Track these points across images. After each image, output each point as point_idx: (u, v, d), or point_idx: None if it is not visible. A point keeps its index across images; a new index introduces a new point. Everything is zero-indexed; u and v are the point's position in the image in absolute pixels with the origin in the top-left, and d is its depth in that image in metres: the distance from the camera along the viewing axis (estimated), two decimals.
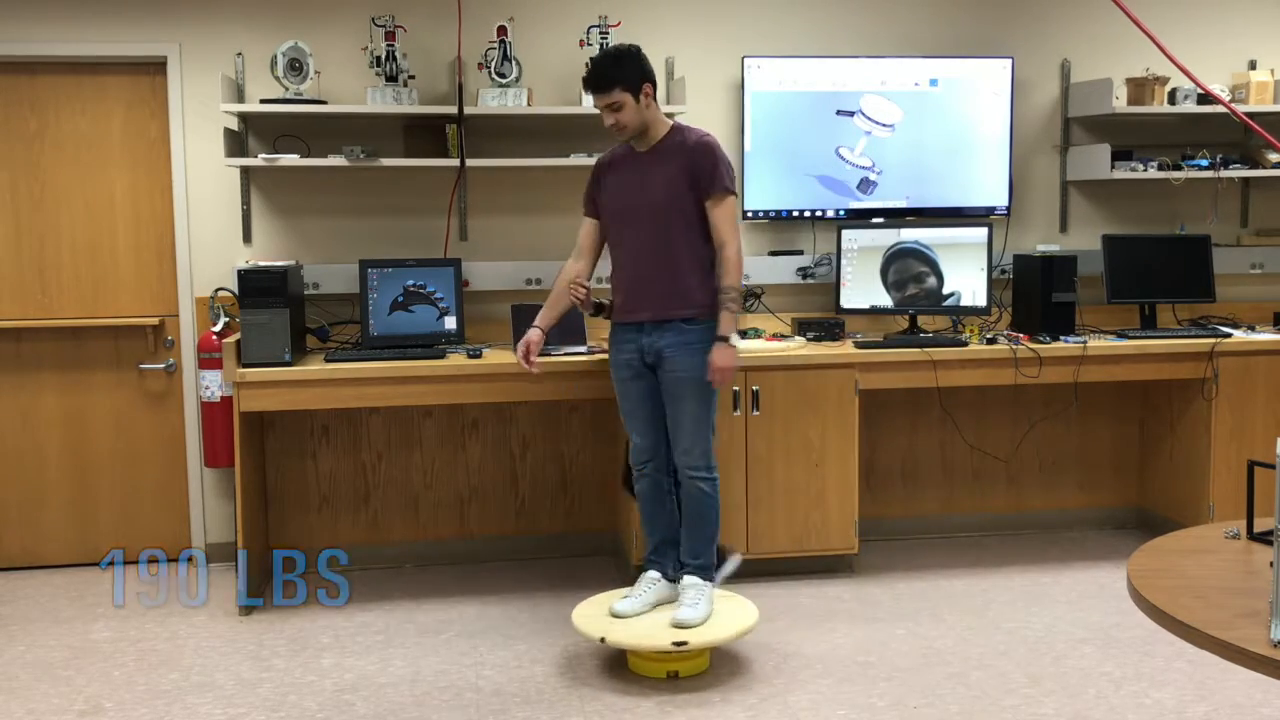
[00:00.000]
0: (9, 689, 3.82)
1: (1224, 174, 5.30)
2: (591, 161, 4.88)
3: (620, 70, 3.83)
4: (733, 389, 4.60)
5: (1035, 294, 5.05)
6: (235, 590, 4.61)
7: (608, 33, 4.84)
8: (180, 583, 4.90)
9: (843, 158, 5.20)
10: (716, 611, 3.93)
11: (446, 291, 4.83)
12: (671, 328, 3.90)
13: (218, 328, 4.74)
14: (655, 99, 3.91)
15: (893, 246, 5.05)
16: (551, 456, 5.20)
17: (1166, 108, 5.21)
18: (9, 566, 5.05)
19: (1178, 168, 5.28)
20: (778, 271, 5.25)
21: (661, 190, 3.88)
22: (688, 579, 3.96)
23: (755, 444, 4.66)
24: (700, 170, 3.86)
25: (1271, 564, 2.35)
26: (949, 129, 5.23)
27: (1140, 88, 5.20)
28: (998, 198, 5.30)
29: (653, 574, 4.05)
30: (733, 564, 4.14)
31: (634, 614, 3.93)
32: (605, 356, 4.65)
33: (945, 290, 5.04)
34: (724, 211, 3.85)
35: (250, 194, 4.98)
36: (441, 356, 4.61)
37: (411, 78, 4.83)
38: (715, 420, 4.00)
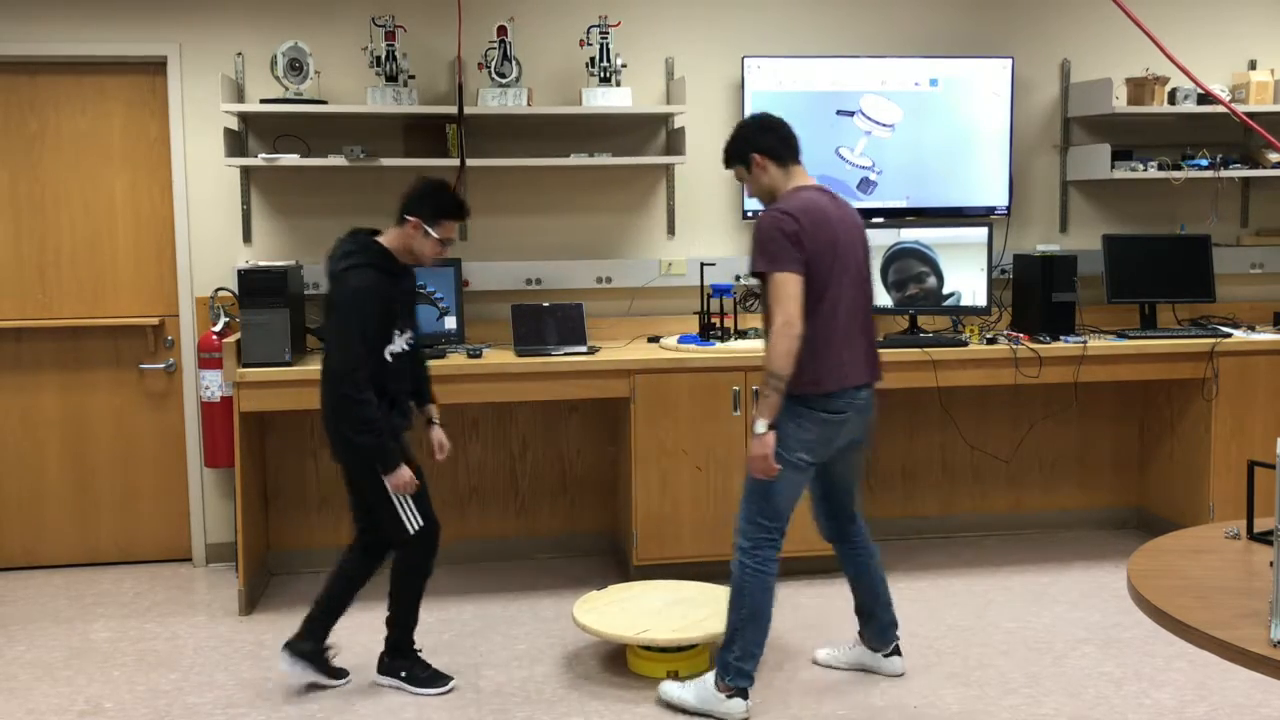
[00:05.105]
0: (9, 689, 3.82)
1: (1224, 174, 5.30)
2: (593, 161, 4.90)
3: (731, 145, 3.66)
4: (733, 389, 4.61)
5: (1035, 294, 5.05)
6: (235, 590, 4.62)
7: (608, 33, 4.84)
8: (180, 583, 4.91)
9: (843, 158, 5.19)
10: (716, 611, 3.93)
11: (446, 291, 4.83)
12: None
13: (218, 328, 4.75)
14: (770, 167, 3.57)
15: (893, 246, 5.05)
16: (551, 456, 5.20)
17: (1166, 108, 5.20)
18: (9, 566, 5.05)
19: (1178, 168, 5.28)
20: None
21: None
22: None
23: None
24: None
25: (1271, 564, 2.35)
26: (949, 129, 5.23)
27: (1140, 88, 5.20)
28: (998, 198, 5.30)
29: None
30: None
31: (830, 664, 3.93)
32: (606, 356, 4.66)
33: (945, 290, 5.03)
34: (770, 291, 3.43)
35: (250, 194, 4.98)
36: (442, 356, 4.60)
37: (411, 78, 4.83)
38: (773, 500, 3.53)
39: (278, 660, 3.81)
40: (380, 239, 3.63)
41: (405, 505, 3.66)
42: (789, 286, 3.39)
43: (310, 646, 3.78)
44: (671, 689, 3.65)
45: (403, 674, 3.79)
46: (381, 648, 3.86)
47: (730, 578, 3.57)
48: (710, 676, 3.59)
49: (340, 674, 3.85)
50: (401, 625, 3.81)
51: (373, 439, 3.53)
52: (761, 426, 3.43)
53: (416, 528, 3.68)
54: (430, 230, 3.59)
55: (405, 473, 3.60)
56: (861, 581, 3.83)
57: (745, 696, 3.54)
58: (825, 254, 3.46)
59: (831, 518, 3.81)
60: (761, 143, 3.59)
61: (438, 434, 3.95)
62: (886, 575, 3.87)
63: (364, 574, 3.82)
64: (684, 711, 3.59)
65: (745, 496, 3.59)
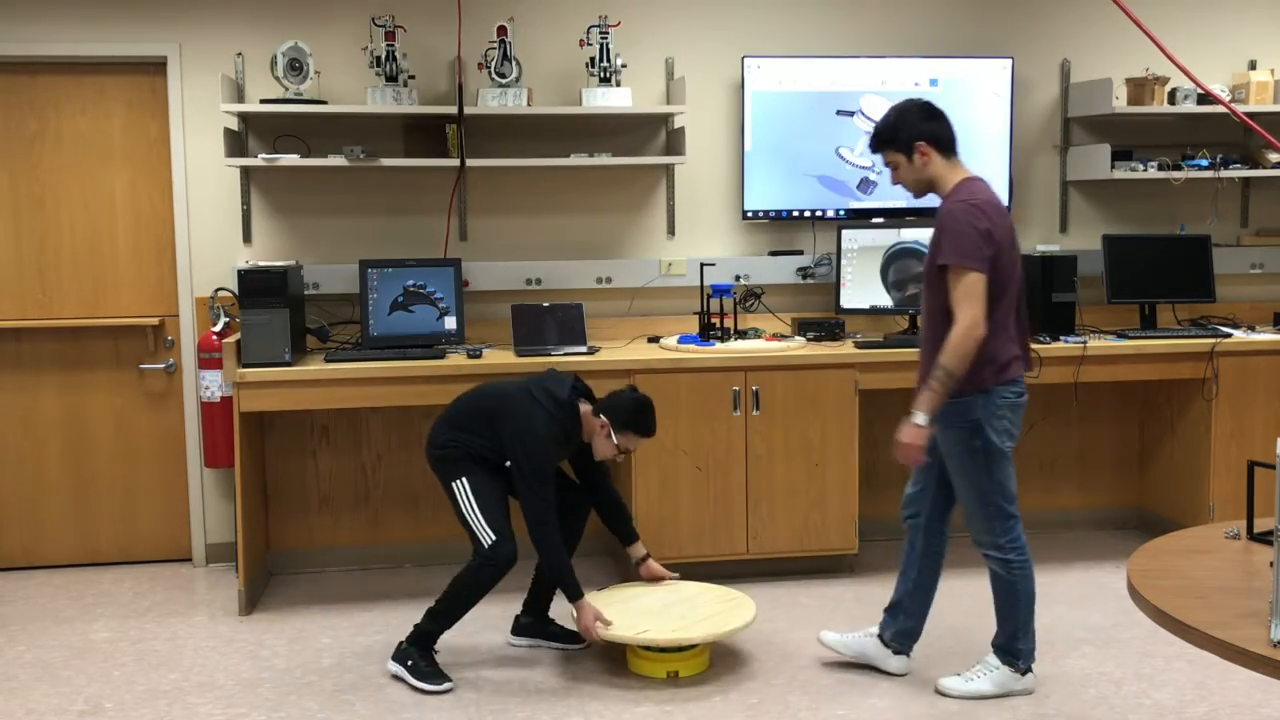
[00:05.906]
0: (9, 689, 3.82)
1: (1224, 174, 5.30)
2: (593, 161, 4.90)
3: (892, 129, 3.56)
4: (732, 389, 4.61)
5: (1035, 294, 5.04)
6: (235, 590, 4.62)
7: (608, 33, 4.84)
8: (180, 583, 4.90)
9: (843, 158, 5.19)
10: (716, 611, 3.93)
11: (446, 291, 4.83)
12: None
13: (218, 328, 4.75)
14: (935, 157, 3.53)
15: (893, 246, 5.05)
16: None
17: (1166, 108, 5.20)
18: (9, 566, 5.05)
19: (1178, 168, 5.28)
20: (778, 271, 5.25)
21: (927, 258, 3.59)
22: (991, 653, 3.73)
23: (755, 444, 4.66)
24: (934, 241, 3.51)
25: (1271, 564, 2.35)
26: None
27: (1140, 88, 5.20)
28: None
29: (874, 628, 3.92)
30: None
31: (834, 649, 3.93)
32: (606, 356, 4.66)
33: None
34: (953, 286, 3.39)
35: (250, 194, 4.98)
36: (441, 356, 4.61)
37: (411, 78, 4.83)
38: (1007, 487, 3.56)
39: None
40: (582, 408, 3.91)
41: (478, 521, 3.80)
42: (976, 286, 3.37)
43: (530, 619, 4.18)
44: (957, 684, 3.68)
45: (409, 663, 3.82)
46: (387, 646, 3.87)
47: (998, 581, 3.64)
48: (993, 662, 3.68)
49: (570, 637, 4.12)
50: (436, 620, 3.87)
51: (559, 563, 3.82)
52: (923, 420, 3.42)
53: (490, 541, 3.78)
54: (613, 436, 3.87)
55: (590, 613, 3.78)
56: (923, 578, 3.81)
57: (1031, 670, 3.68)
58: (1009, 248, 3.48)
59: (936, 505, 3.76)
60: (928, 129, 3.51)
61: (656, 568, 4.16)
62: (889, 575, 3.86)
63: (574, 528, 4.10)
64: (980, 699, 3.66)
65: (980, 503, 3.57)
